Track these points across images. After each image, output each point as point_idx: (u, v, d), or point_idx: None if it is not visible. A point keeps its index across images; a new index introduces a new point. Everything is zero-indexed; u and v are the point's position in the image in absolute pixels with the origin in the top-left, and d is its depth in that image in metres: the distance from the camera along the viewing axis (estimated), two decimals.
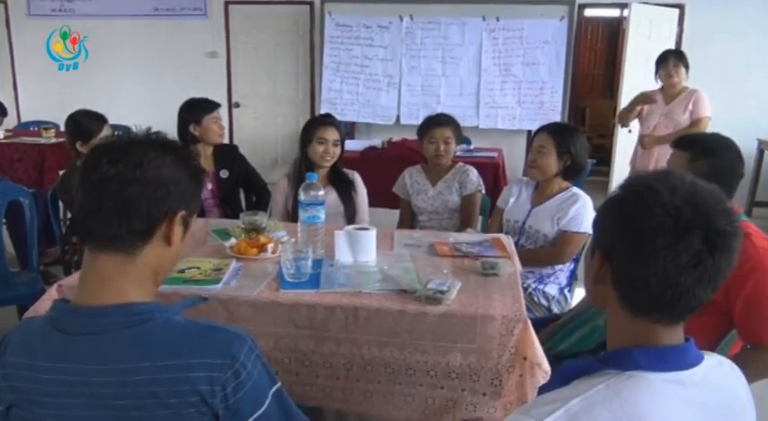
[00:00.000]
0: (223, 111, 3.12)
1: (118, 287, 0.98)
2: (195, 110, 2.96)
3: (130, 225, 0.96)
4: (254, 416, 0.96)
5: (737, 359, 0.98)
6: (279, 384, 1.02)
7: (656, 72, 4.09)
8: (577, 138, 2.47)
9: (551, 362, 1.62)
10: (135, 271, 0.99)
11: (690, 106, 3.99)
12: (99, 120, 2.93)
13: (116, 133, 1.13)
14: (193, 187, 1.03)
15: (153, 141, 1.02)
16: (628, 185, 0.90)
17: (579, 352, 1.90)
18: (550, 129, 2.48)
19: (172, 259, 1.06)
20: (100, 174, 0.96)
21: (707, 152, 1.76)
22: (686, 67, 4.03)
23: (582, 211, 2.40)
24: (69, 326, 0.96)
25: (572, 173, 2.49)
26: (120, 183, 0.95)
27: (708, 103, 3.99)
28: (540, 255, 2.47)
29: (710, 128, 3.84)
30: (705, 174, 1.70)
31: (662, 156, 4.05)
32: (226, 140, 3.28)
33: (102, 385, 0.93)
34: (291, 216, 2.68)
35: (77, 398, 0.94)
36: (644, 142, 4.16)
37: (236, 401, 0.94)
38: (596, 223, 0.93)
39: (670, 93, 4.07)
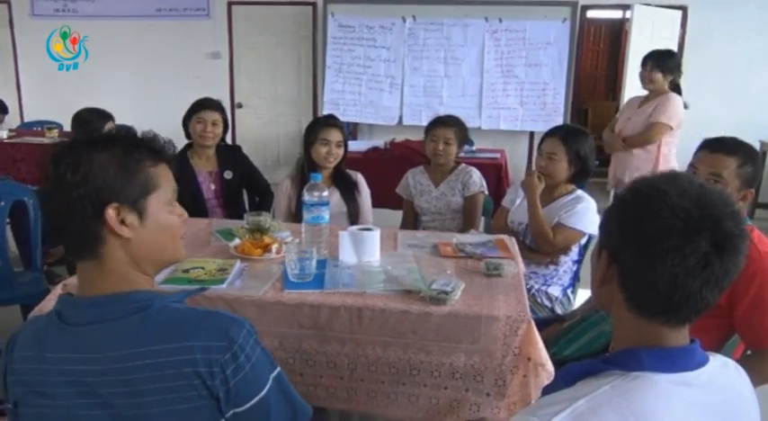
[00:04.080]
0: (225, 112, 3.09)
1: (107, 285, 1.00)
2: (191, 108, 2.97)
3: (76, 240, 0.99)
4: (255, 399, 0.97)
5: (739, 364, 0.98)
6: (279, 369, 1.02)
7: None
8: (586, 141, 2.45)
9: (556, 365, 1.62)
10: (112, 269, 1.00)
11: (650, 110, 3.69)
12: (105, 117, 2.94)
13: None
14: (117, 174, 0.97)
15: (66, 145, 1.01)
16: (636, 187, 0.90)
17: (584, 356, 1.90)
18: (560, 135, 2.43)
19: (147, 247, 1.02)
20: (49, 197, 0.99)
21: (753, 158, 1.74)
22: (664, 71, 3.68)
23: (585, 211, 2.40)
24: (73, 317, 0.98)
25: (580, 176, 2.49)
26: (46, 201, 0.99)
27: (673, 111, 3.64)
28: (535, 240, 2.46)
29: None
30: (750, 179, 1.71)
31: (620, 161, 3.83)
32: (228, 141, 3.25)
33: (104, 373, 0.94)
34: (295, 216, 2.69)
35: (81, 387, 0.96)
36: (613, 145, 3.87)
37: (236, 384, 0.95)
38: (604, 224, 0.93)
39: (648, 96, 3.82)
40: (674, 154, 3.81)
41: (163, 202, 1.03)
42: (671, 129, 3.66)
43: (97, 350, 0.95)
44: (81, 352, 0.95)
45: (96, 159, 0.96)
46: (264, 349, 1.01)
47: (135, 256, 1.01)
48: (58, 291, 1.77)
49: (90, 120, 2.89)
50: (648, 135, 3.67)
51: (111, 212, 0.97)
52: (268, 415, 0.99)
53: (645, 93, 3.96)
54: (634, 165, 3.77)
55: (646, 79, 3.75)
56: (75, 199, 0.95)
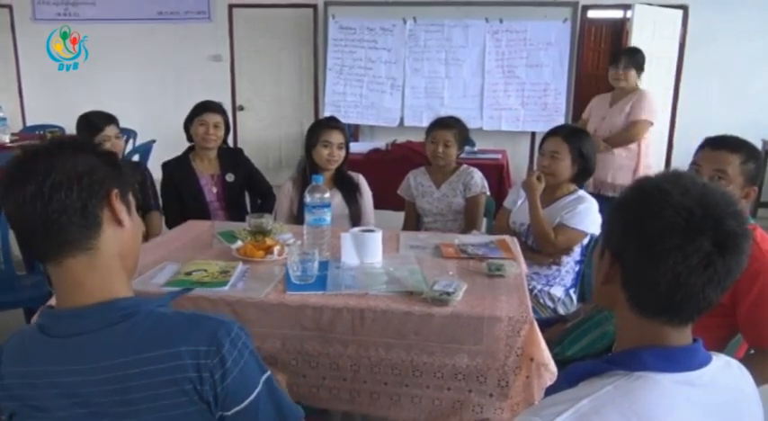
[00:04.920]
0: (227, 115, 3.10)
1: (92, 286, 0.98)
2: (192, 111, 2.98)
3: (76, 222, 0.95)
4: (245, 403, 0.96)
5: (742, 363, 0.98)
6: (269, 372, 1.02)
7: (609, 72, 3.85)
8: (588, 140, 2.46)
9: (559, 366, 1.62)
10: (102, 264, 0.98)
11: (627, 108, 3.70)
12: (109, 120, 2.94)
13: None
14: (112, 169, 1.01)
15: (51, 145, 1.00)
16: (638, 186, 0.90)
17: (587, 356, 1.90)
18: (563, 134, 2.44)
19: (132, 240, 1.05)
20: (20, 199, 0.94)
21: (755, 155, 1.74)
22: (638, 68, 3.73)
23: (586, 211, 2.40)
24: (56, 329, 0.97)
25: (582, 176, 2.49)
26: (43, 195, 0.93)
27: (652, 107, 3.68)
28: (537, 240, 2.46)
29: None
30: (753, 176, 1.71)
31: (600, 162, 3.63)
32: (230, 144, 3.26)
33: (97, 383, 0.94)
34: (297, 219, 2.69)
35: (75, 398, 0.95)
36: None
37: (224, 388, 0.95)
38: (606, 223, 0.93)
39: (618, 94, 3.82)
40: (650, 148, 3.84)
41: (132, 200, 1.07)
42: (651, 124, 3.68)
43: (87, 361, 0.94)
44: (71, 363, 0.95)
45: (89, 156, 0.98)
46: (254, 352, 1.00)
47: (123, 248, 1.02)
48: None
49: (95, 122, 2.90)
50: (632, 133, 3.67)
51: (116, 197, 0.99)
52: (256, 418, 0.98)
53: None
54: (617, 165, 3.75)
55: (621, 77, 3.76)
56: (87, 185, 0.95)
